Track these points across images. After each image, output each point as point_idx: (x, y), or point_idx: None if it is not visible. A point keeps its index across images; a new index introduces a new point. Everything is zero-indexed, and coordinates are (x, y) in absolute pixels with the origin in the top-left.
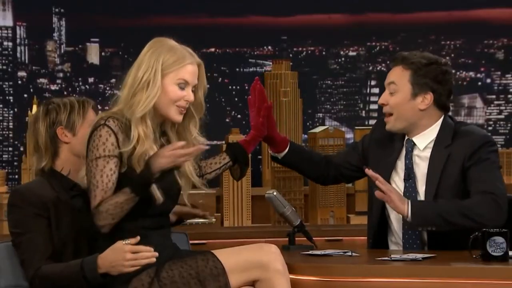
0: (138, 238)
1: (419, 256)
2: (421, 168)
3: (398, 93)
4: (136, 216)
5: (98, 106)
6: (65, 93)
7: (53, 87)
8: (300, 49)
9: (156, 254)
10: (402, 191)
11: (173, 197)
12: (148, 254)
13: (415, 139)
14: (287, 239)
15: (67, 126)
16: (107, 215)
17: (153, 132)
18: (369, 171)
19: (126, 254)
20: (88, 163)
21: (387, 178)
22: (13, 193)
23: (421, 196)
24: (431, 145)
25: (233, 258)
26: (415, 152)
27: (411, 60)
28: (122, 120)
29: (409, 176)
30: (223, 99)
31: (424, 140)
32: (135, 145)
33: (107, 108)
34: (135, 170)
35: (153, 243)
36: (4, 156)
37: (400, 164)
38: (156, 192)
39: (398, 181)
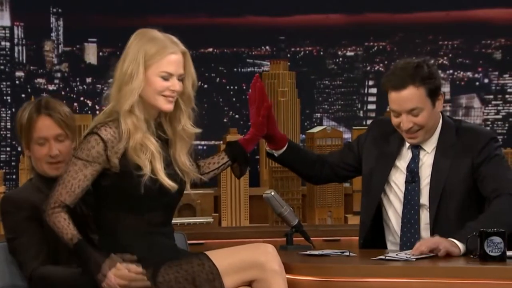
0: (135, 257)
1: (413, 256)
2: (426, 170)
3: (422, 112)
4: (142, 211)
5: (96, 106)
6: (62, 93)
7: (51, 87)
8: (298, 49)
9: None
10: (403, 192)
11: (179, 189)
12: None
13: (423, 143)
14: (285, 239)
15: (25, 145)
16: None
17: (145, 123)
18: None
19: (113, 278)
20: (71, 158)
21: (385, 178)
22: (3, 200)
23: (424, 197)
24: (436, 145)
25: (229, 259)
26: (421, 155)
27: (420, 75)
28: (117, 123)
29: (413, 179)
30: (221, 99)
31: (432, 143)
32: (127, 139)
33: (104, 108)
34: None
35: (155, 244)
36: (1, 156)
37: (401, 165)
38: (168, 181)
39: (397, 181)
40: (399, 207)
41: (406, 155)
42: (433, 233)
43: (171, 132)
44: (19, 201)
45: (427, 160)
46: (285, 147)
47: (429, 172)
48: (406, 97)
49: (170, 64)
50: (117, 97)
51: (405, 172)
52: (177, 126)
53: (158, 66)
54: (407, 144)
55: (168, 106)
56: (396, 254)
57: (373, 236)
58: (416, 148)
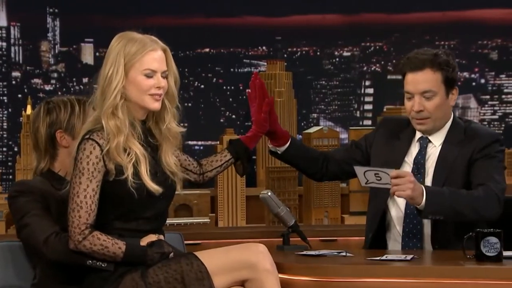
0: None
1: (409, 256)
2: (431, 164)
3: (435, 97)
4: (130, 218)
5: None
6: (59, 93)
7: (48, 88)
8: (294, 49)
9: None
10: None
11: (168, 197)
12: None
13: (431, 137)
14: (282, 239)
15: (67, 129)
16: (88, 252)
17: (129, 126)
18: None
19: None
20: (72, 177)
21: None
22: (15, 184)
23: None
24: (443, 140)
25: (220, 259)
26: (429, 148)
27: (438, 61)
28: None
29: (418, 171)
30: (217, 100)
31: (440, 137)
32: (111, 142)
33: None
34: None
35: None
36: None
37: (408, 160)
38: (151, 184)
39: None
40: (401, 200)
41: (414, 149)
42: (434, 222)
43: (159, 135)
44: (33, 188)
45: (433, 153)
46: (288, 143)
47: (434, 165)
48: (422, 78)
49: (152, 61)
50: (100, 102)
51: (412, 165)
52: (162, 126)
53: (140, 65)
54: (416, 137)
55: (155, 105)
56: (391, 255)
57: (380, 234)
58: (425, 141)
